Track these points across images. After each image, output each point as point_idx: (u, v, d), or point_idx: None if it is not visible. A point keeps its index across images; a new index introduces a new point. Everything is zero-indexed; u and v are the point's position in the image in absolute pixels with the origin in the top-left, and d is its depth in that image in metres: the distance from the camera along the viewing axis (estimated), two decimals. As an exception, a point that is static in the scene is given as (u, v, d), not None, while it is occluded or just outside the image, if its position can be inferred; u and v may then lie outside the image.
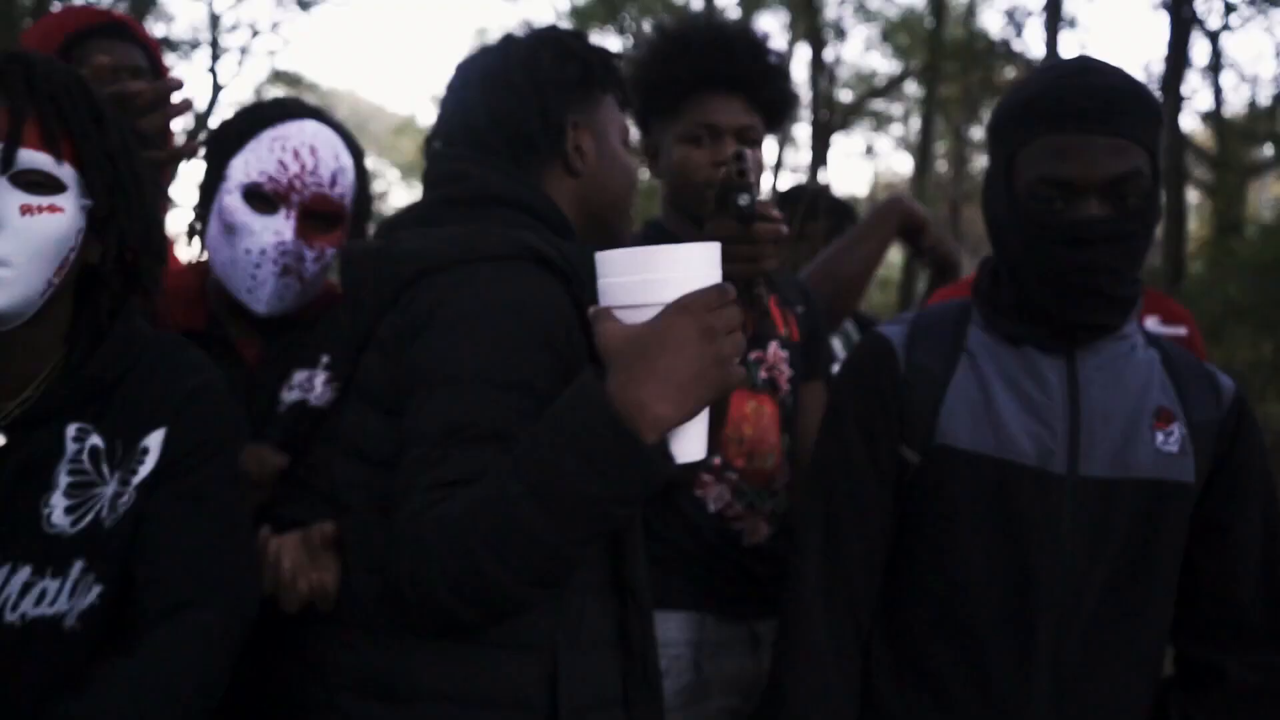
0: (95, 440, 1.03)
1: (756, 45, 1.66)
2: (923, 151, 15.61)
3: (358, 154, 1.47)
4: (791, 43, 18.93)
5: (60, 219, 0.98)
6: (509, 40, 1.26)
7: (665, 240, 1.55)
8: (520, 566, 0.94)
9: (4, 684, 0.97)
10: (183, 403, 1.07)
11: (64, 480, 1.01)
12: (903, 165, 24.46)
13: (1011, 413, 1.23)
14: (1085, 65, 1.21)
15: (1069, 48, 11.76)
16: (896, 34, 16.26)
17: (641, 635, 1.18)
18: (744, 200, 0.95)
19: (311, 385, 1.22)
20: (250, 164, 1.37)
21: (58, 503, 1.00)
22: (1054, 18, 10.39)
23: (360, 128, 23.68)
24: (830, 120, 14.63)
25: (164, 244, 1.13)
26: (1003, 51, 13.10)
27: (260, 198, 1.37)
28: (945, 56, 13.07)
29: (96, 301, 1.05)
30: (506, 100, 1.19)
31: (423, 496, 0.98)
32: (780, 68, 1.68)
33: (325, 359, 1.22)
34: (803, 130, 15.45)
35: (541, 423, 0.96)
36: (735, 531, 1.63)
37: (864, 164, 22.99)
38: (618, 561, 1.16)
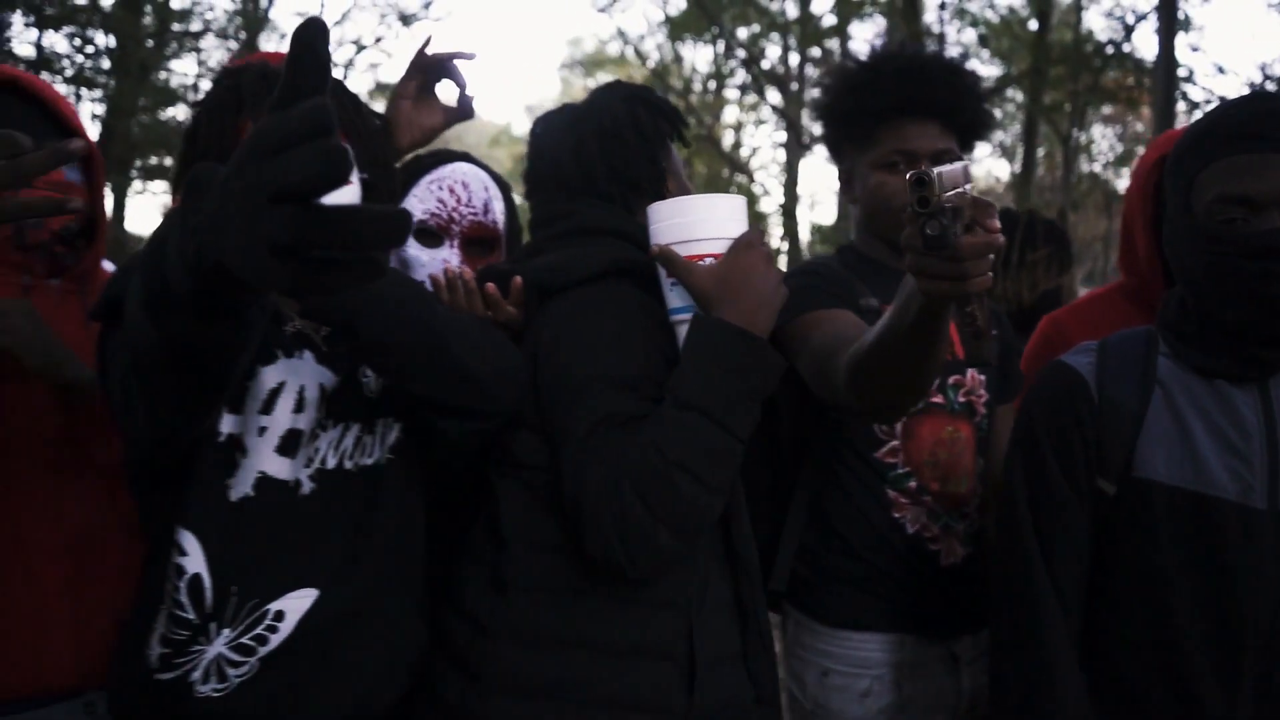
0: None
1: (949, 70, 1.68)
2: (1026, 157, 15.18)
3: (504, 186, 1.63)
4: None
5: (353, 190, 1.19)
6: (606, 100, 1.47)
7: (863, 265, 1.71)
8: (707, 474, 1.16)
9: (358, 518, 1.22)
10: None
11: None
12: (1000, 170, 23.84)
13: (1208, 446, 1.23)
14: (1256, 95, 1.24)
15: (1184, 51, 11.28)
16: (1000, 37, 15.84)
17: (752, 598, 1.36)
18: (932, 229, 0.93)
19: None
20: (414, 207, 1.52)
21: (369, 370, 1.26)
22: (1169, 19, 9.97)
23: (457, 138, 24.20)
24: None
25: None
26: (1112, 55, 12.62)
27: (427, 233, 1.53)
28: (1051, 61, 12.66)
29: None
30: (623, 154, 1.43)
31: (601, 466, 1.17)
32: (973, 90, 1.70)
33: None
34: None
35: (680, 366, 1.21)
36: (932, 553, 1.65)
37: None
38: (729, 537, 1.34)
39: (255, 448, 1.17)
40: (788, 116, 18.49)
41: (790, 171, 19.48)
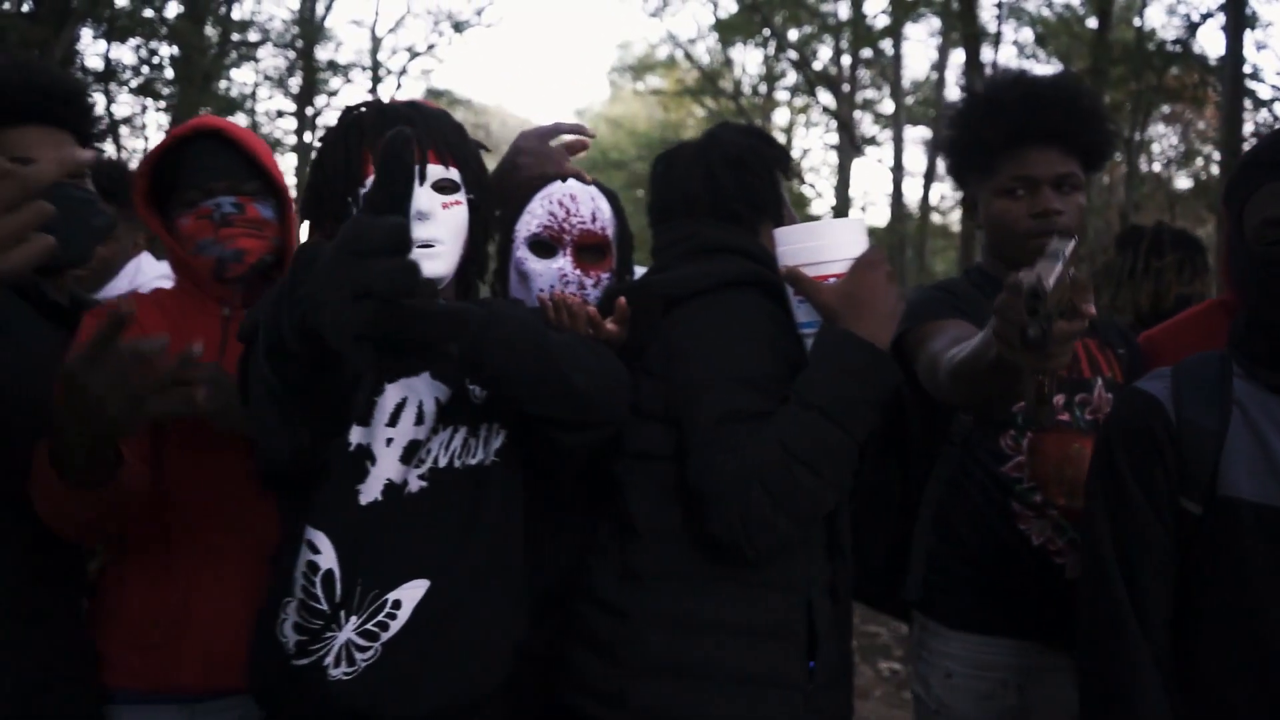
0: None
1: (1066, 94, 1.72)
2: (1085, 159, 14.87)
3: (611, 195, 1.75)
4: (944, 49, 18.45)
5: (462, 209, 1.36)
6: (729, 134, 1.65)
7: (989, 285, 1.77)
8: (825, 469, 1.31)
9: (465, 513, 1.34)
10: None
11: None
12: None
13: None
14: None
15: (1250, 48, 10.98)
16: (1057, 35, 15.57)
17: (844, 583, 1.52)
18: (1033, 331, 0.95)
19: None
20: (528, 222, 1.65)
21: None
22: (1237, 15, 9.71)
23: (507, 140, 24.29)
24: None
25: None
26: (1176, 53, 12.30)
27: (541, 245, 1.65)
28: (1112, 60, 12.38)
29: (465, 270, 1.45)
30: (749, 179, 1.60)
31: (727, 456, 1.32)
32: (1093, 112, 1.73)
33: None
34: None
35: (807, 370, 1.35)
36: (1057, 566, 1.68)
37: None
38: (832, 528, 1.49)
39: (383, 456, 1.30)
40: (840, 118, 18.37)
41: (842, 173, 19.35)
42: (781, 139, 22.96)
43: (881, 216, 21.57)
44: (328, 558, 1.27)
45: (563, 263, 1.63)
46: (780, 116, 23.59)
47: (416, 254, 1.20)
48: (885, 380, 1.34)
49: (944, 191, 20.14)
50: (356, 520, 1.28)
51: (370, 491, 1.29)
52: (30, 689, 1.38)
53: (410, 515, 1.31)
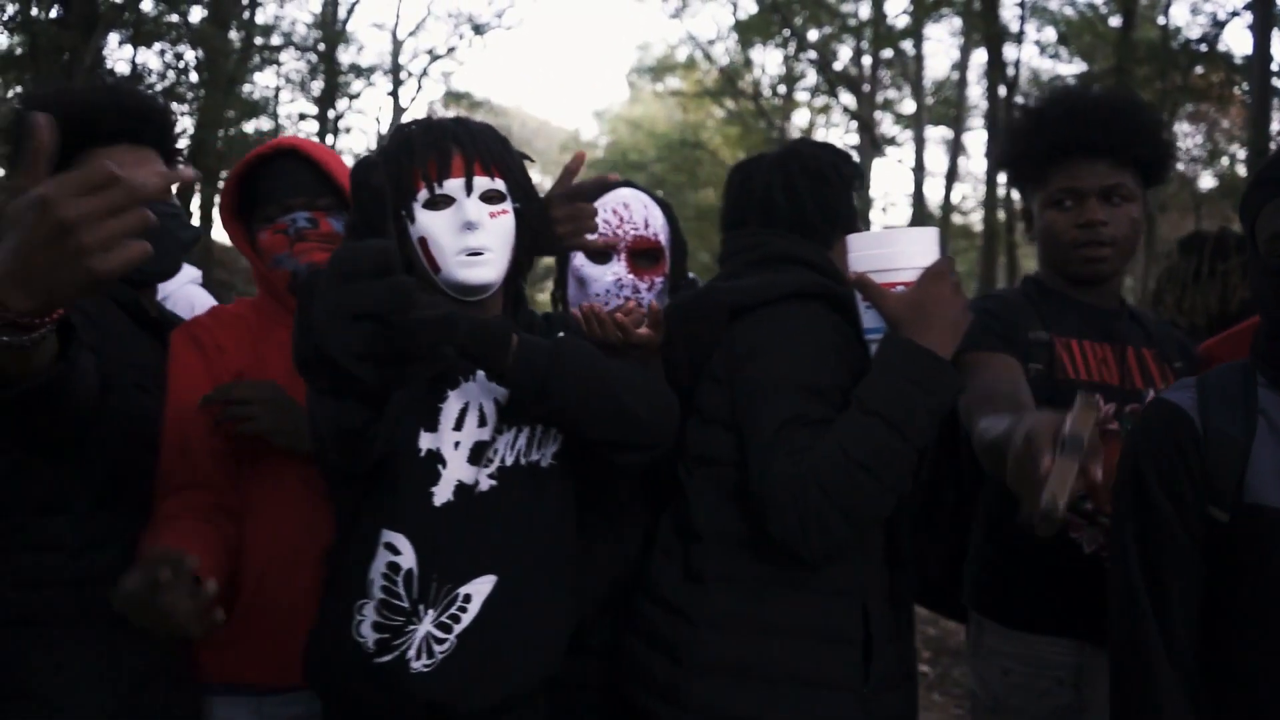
0: None
1: (1114, 108, 1.74)
2: (1108, 159, 14.76)
3: (664, 205, 1.82)
4: (965, 49, 18.36)
5: (509, 218, 1.41)
6: (807, 148, 1.69)
7: (1044, 296, 1.81)
8: (885, 474, 1.33)
9: (526, 510, 1.42)
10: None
11: None
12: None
13: None
14: None
15: (1278, 47, 10.83)
16: (1081, 34, 15.46)
17: (905, 588, 1.57)
18: (1041, 531, 0.97)
19: None
20: None
21: None
22: (1265, 13, 9.62)
23: (526, 143, 24.41)
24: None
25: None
26: (1203, 51, 12.18)
27: (597, 252, 1.72)
28: (1136, 60, 12.28)
29: (514, 276, 1.51)
30: (827, 192, 1.64)
31: (788, 459, 1.35)
32: (1143, 125, 1.75)
33: None
34: (977, 138, 14.90)
35: (869, 377, 1.38)
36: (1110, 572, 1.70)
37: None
38: (891, 534, 1.53)
39: (452, 460, 1.38)
40: (860, 118, 18.32)
41: (863, 173, 19.29)
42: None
43: (902, 217, 21.50)
44: (408, 558, 1.35)
45: (618, 268, 1.71)
46: (800, 117, 23.56)
47: (466, 261, 1.38)
48: (946, 390, 1.37)
49: (965, 191, 20.04)
50: (431, 521, 1.37)
51: (443, 493, 1.37)
52: (139, 682, 1.48)
53: (480, 513, 1.39)
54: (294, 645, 1.48)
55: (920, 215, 18.27)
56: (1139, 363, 1.77)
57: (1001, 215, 14.17)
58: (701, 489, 1.51)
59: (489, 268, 1.39)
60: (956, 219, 19.58)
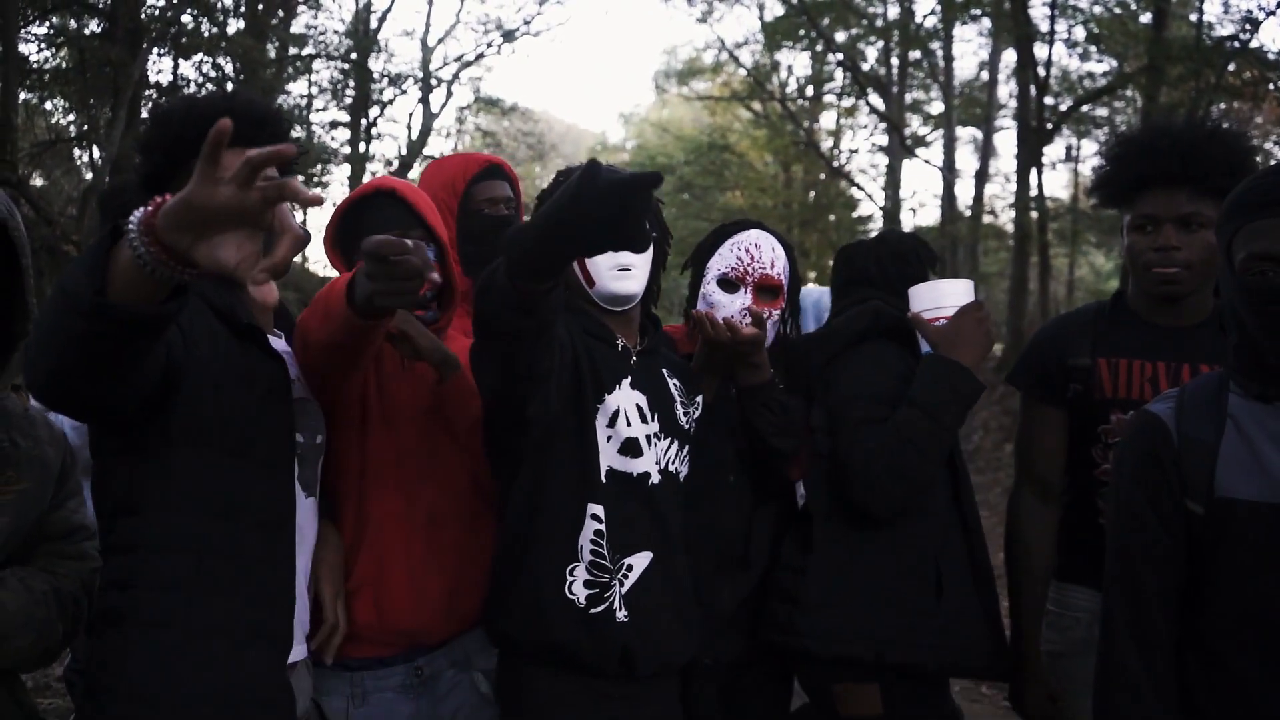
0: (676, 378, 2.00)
1: (1195, 141, 1.91)
2: (1141, 157, 14.60)
3: (788, 247, 2.18)
4: (995, 48, 18.28)
5: (649, 239, 1.70)
6: (895, 236, 2.28)
7: (1120, 314, 2.11)
8: (926, 448, 1.90)
9: (674, 505, 1.89)
10: None
11: (675, 387, 1.97)
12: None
13: (1278, 462, 1.44)
14: (1274, 168, 1.47)
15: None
16: (1112, 34, 15.34)
17: (981, 554, 2.05)
18: None
19: None
20: (718, 263, 2.11)
21: (678, 398, 1.94)
22: (1300, 12, 9.54)
23: (553, 146, 24.51)
24: (1040, 127, 13.96)
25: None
26: (1237, 50, 12.06)
27: (728, 283, 2.09)
28: (1168, 58, 12.18)
29: (650, 290, 1.95)
30: (906, 268, 2.19)
31: (860, 445, 1.92)
32: (1225, 156, 1.90)
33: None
34: (1006, 138, 14.81)
35: (916, 381, 1.95)
36: None
37: (1064, 168, 21.77)
38: (961, 512, 2.04)
39: (606, 451, 1.78)
40: (889, 119, 18.30)
41: (892, 174, 19.24)
42: (828, 142, 23.01)
43: (932, 217, 21.44)
44: (605, 527, 1.74)
45: (743, 299, 2.07)
46: (828, 119, 23.55)
47: (618, 275, 1.79)
48: (968, 390, 1.94)
49: (995, 191, 19.92)
50: (618, 500, 1.77)
51: (638, 474, 1.80)
52: (234, 682, 1.51)
53: (644, 500, 1.80)
54: (411, 608, 1.79)
55: (950, 215, 18.21)
56: (1192, 370, 1.95)
57: (1034, 215, 14.09)
58: (812, 480, 2.04)
59: (634, 280, 1.81)
60: (987, 219, 19.48)
